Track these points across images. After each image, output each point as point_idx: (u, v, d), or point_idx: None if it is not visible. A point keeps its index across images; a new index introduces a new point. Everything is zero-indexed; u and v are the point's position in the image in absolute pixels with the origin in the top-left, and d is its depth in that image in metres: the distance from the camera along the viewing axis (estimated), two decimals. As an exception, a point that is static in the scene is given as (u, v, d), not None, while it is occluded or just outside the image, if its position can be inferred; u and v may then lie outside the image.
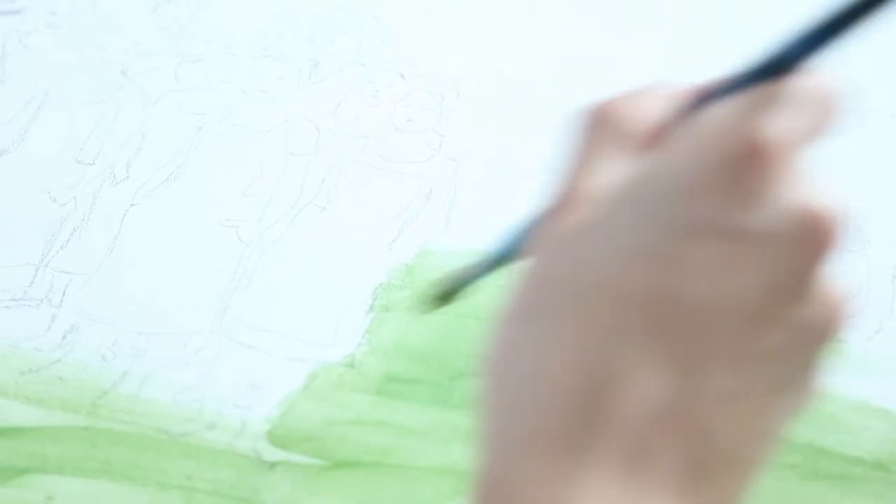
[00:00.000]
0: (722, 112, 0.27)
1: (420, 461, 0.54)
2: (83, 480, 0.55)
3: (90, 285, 0.62)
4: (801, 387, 0.28)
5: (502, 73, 0.70)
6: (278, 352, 0.59)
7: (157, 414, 0.57)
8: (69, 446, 0.56)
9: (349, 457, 0.55)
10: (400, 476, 0.54)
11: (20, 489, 0.55)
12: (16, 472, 0.55)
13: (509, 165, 0.65)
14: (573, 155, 0.29)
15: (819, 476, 0.53)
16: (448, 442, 0.55)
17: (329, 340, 0.59)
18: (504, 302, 0.29)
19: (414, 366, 0.57)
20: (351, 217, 0.64)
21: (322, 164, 0.66)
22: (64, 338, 0.60)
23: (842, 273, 0.28)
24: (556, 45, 0.71)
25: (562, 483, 0.26)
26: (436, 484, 0.54)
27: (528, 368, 0.28)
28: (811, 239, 0.26)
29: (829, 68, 0.27)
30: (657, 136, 0.28)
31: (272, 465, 0.55)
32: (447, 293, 0.38)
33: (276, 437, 0.56)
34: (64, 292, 0.62)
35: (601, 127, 0.29)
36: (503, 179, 0.65)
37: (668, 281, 0.26)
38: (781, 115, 0.26)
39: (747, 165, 0.26)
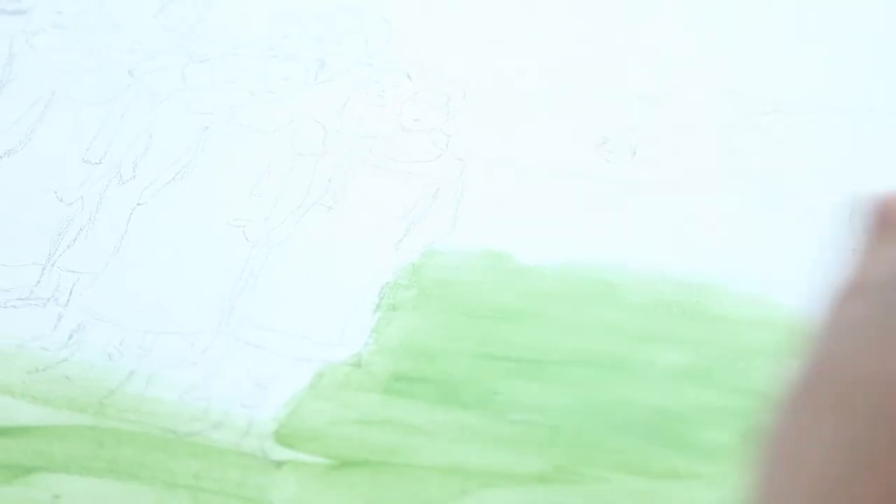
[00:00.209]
0: None
1: (427, 460, 0.54)
2: (90, 479, 0.55)
3: (97, 285, 0.62)
4: None
5: (509, 72, 0.70)
6: (285, 351, 0.59)
7: (163, 413, 0.57)
8: (76, 445, 0.56)
9: (356, 456, 0.55)
10: (407, 475, 0.54)
11: (27, 488, 0.55)
12: (22, 471, 0.55)
13: (516, 165, 0.65)
14: (862, 245, 0.29)
15: None
16: (455, 441, 0.55)
17: (336, 340, 0.59)
18: (785, 386, 0.29)
19: (421, 365, 0.57)
20: (358, 217, 0.64)
21: (329, 164, 0.66)
22: (70, 337, 0.60)
23: None
24: (562, 45, 0.71)
25: None
26: (443, 483, 0.54)
27: (792, 461, 0.28)
28: None
29: None
30: None
31: (279, 465, 0.55)
32: None
33: (283, 437, 0.56)
34: (70, 292, 0.62)
35: (887, 219, 0.29)
36: (510, 179, 0.65)
37: None
38: None
39: None
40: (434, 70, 0.70)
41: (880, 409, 0.26)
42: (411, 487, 0.54)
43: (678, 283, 0.59)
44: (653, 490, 0.52)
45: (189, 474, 0.55)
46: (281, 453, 0.55)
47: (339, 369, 0.58)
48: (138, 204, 0.65)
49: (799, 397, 0.28)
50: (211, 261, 0.62)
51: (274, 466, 0.55)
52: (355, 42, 0.72)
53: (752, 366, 0.55)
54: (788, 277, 0.57)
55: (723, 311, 0.58)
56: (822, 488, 0.27)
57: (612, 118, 0.66)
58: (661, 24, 0.72)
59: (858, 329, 0.27)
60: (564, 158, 0.65)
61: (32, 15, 0.75)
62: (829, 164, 0.62)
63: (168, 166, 0.67)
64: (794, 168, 0.63)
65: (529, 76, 0.69)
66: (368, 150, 0.67)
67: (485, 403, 0.56)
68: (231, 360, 0.59)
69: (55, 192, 0.66)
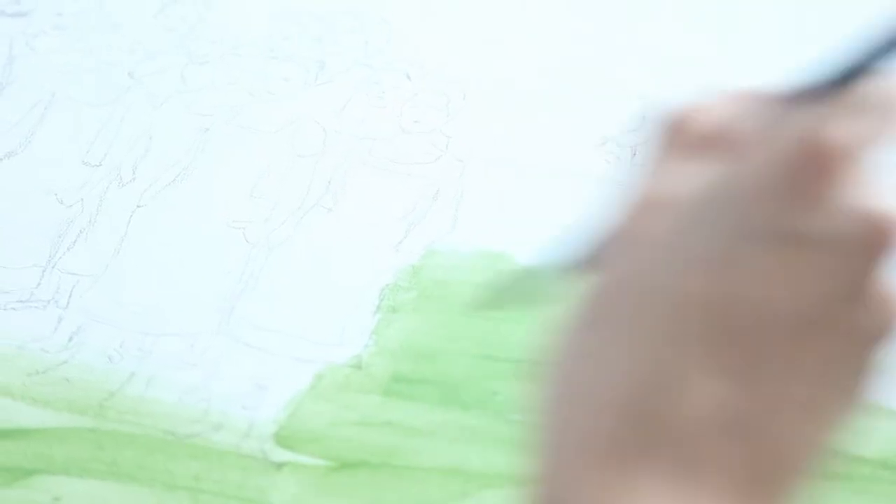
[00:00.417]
0: (788, 119, 0.27)
1: (427, 462, 0.54)
2: (90, 481, 0.55)
3: (97, 287, 0.62)
4: (852, 392, 0.28)
5: (508, 73, 0.70)
6: (285, 353, 0.59)
7: (163, 415, 0.57)
8: (76, 447, 0.56)
9: (356, 457, 0.55)
10: (407, 476, 0.54)
11: (27, 490, 0.55)
12: (23, 473, 0.55)
13: (515, 166, 0.65)
14: (648, 161, 0.29)
15: (825, 476, 0.53)
16: (455, 442, 0.55)
17: (336, 341, 0.59)
18: (569, 309, 0.29)
19: (421, 366, 0.57)
20: (357, 218, 0.64)
21: (328, 166, 0.66)
22: (70, 339, 0.60)
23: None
24: (561, 45, 0.71)
25: (616, 490, 0.26)
26: (443, 484, 0.54)
27: (586, 376, 0.28)
28: (870, 242, 0.26)
29: (892, 74, 0.27)
30: (730, 142, 0.28)
31: (279, 466, 0.55)
32: (499, 296, 0.37)
33: (283, 438, 0.56)
34: (70, 294, 0.62)
35: (676, 134, 0.29)
36: (510, 180, 0.65)
37: (726, 287, 0.26)
38: (844, 122, 0.26)
39: (809, 170, 0.26)
40: (434, 71, 0.70)
41: (672, 328, 0.27)
42: (411, 489, 0.54)
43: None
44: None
45: (189, 476, 0.55)
46: (281, 455, 0.55)
47: (339, 371, 0.58)
48: (138, 206, 0.65)
49: (591, 313, 0.28)
50: (211, 262, 0.62)
51: (274, 468, 0.55)
52: (355, 43, 0.72)
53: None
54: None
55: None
56: (611, 406, 0.27)
57: (612, 118, 0.66)
58: (661, 24, 0.72)
59: (656, 247, 0.27)
60: (564, 159, 0.65)
61: (33, 17, 0.75)
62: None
63: (168, 168, 0.67)
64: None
65: (529, 76, 0.69)
66: (368, 152, 0.67)
67: (485, 404, 0.56)
68: (231, 361, 0.59)
69: (55, 195, 0.66)
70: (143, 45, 0.73)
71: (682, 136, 0.29)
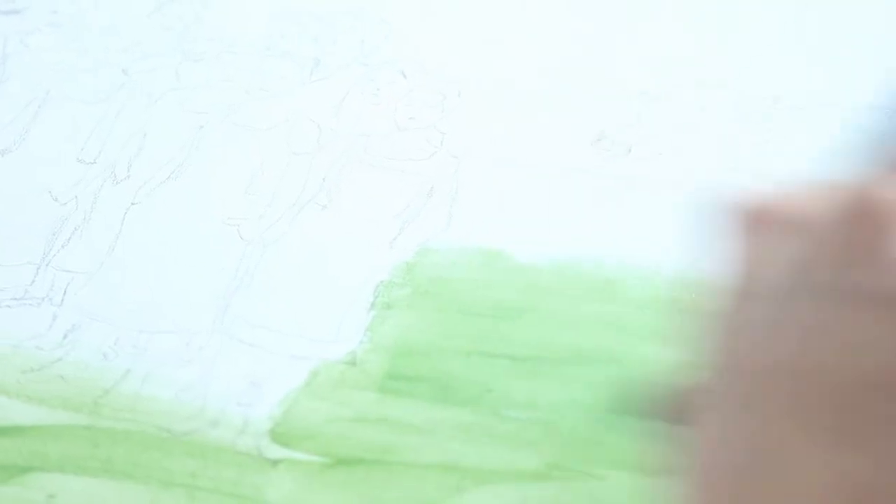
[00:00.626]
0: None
1: (422, 459, 0.54)
2: (85, 479, 0.55)
3: (91, 284, 0.62)
4: None
5: (504, 71, 0.70)
6: (280, 350, 0.59)
7: (158, 412, 0.57)
8: (71, 445, 0.56)
9: (351, 454, 0.55)
10: (402, 473, 0.54)
11: (21, 488, 0.55)
12: (17, 471, 0.55)
13: (511, 163, 0.65)
14: (740, 253, 0.30)
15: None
16: (450, 439, 0.55)
17: (331, 338, 0.59)
18: (695, 400, 0.29)
19: (416, 363, 0.57)
20: (352, 215, 0.64)
21: (324, 163, 0.66)
22: (65, 336, 0.60)
23: None
24: (558, 44, 0.71)
25: None
26: (438, 481, 0.54)
27: (713, 457, 0.28)
28: None
29: None
30: (808, 224, 0.29)
31: (274, 463, 0.55)
32: (641, 405, 0.37)
33: (279, 435, 0.56)
34: (65, 291, 0.62)
35: (763, 225, 0.30)
36: (505, 177, 0.65)
37: (814, 355, 0.27)
38: None
39: (865, 226, 0.26)
40: (429, 68, 0.70)
41: (790, 400, 0.27)
42: (407, 485, 0.54)
43: (675, 279, 0.58)
44: (649, 488, 0.52)
45: (185, 473, 0.55)
46: (276, 452, 0.55)
47: (334, 367, 0.58)
48: (133, 203, 0.65)
49: (711, 395, 0.29)
50: (206, 259, 0.62)
51: (269, 465, 0.55)
52: (351, 41, 0.72)
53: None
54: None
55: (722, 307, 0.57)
56: (738, 482, 0.27)
57: (608, 115, 0.66)
58: (660, 24, 0.71)
59: (757, 328, 0.28)
60: (560, 155, 0.65)
61: (27, 14, 0.75)
62: (829, 162, 0.62)
63: (162, 165, 0.67)
64: (792, 166, 0.62)
65: (525, 73, 0.69)
66: (363, 149, 0.67)
67: (480, 401, 0.56)
68: (226, 358, 0.59)
69: (50, 192, 0.66)
70: (139, 42, 0.73)
71: (769, 227, 0.29)
